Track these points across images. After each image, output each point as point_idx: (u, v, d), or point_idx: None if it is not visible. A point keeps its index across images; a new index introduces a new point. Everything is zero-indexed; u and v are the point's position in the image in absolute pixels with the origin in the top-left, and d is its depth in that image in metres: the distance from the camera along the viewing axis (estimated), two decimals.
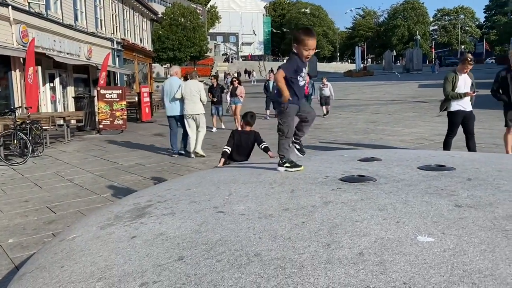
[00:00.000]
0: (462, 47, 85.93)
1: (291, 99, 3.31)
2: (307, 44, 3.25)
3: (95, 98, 15.90)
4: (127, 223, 2.55)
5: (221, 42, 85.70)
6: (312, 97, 16.69)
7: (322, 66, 65.47)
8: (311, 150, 8.51)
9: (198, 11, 52.71)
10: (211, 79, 14.82)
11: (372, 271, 1.64)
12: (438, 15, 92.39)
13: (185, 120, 8.66)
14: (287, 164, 3.41)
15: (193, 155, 8.78)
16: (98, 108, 15.60)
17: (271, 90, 14.97)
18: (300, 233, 2.06)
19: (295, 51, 3.35)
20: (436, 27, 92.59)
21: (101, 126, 15.41)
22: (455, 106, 6.72)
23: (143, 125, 17.26)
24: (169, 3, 53.20)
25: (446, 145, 7.10)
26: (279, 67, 3.53)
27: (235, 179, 3.34)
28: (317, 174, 3.38)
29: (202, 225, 2.29)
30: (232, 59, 69.96)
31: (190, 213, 2.52)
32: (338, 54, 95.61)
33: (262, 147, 5.54)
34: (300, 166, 3.42)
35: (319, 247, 1.88)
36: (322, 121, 14.58)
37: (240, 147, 5.60)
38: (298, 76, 3.40)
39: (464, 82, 6.71)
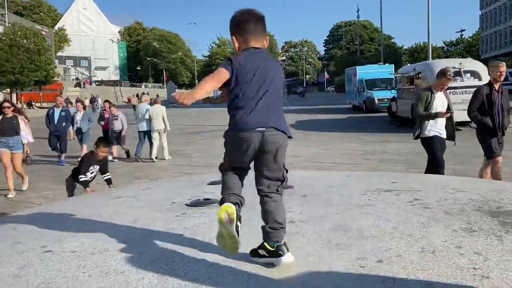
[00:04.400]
0: (307, 76, 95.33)
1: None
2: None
3: None
4: None
5: (71, 66, 79.93)
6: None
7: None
8: (168, 177, 8.37)
9: (44, 33, 48.55)
10: None
11: None
12: (286, 46, 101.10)
13: (152, 133, 11.09)
14: None
15: (154, 159, 10.75)
16: None
17: (56, 121, 10.17)
18: (136, 265, 1.95)
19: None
20: (284, 57, 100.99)
21: None
22: (431, 131, 5.16)
23: None
24: (8, 23, 47.81)
25: None
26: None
27: (73, 213, 3.06)
28: (164, 200, 3.30)
29: (24, 268, 2.02)
30: (84, 84, 65.56)
31: (10, 256, 2.21)
32: (197, 81, 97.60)
33: (104, 178, 5.29)
34: None
35: (154, 278, 1.80)
36: (181, 146, 14.49)
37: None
38: None
39: (441, 102, 5.18)
